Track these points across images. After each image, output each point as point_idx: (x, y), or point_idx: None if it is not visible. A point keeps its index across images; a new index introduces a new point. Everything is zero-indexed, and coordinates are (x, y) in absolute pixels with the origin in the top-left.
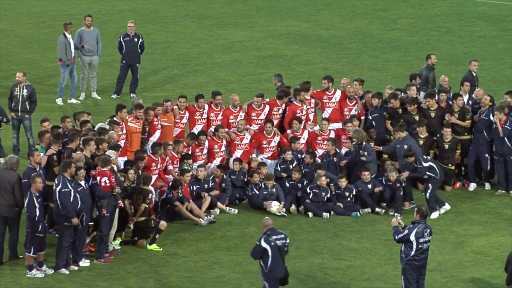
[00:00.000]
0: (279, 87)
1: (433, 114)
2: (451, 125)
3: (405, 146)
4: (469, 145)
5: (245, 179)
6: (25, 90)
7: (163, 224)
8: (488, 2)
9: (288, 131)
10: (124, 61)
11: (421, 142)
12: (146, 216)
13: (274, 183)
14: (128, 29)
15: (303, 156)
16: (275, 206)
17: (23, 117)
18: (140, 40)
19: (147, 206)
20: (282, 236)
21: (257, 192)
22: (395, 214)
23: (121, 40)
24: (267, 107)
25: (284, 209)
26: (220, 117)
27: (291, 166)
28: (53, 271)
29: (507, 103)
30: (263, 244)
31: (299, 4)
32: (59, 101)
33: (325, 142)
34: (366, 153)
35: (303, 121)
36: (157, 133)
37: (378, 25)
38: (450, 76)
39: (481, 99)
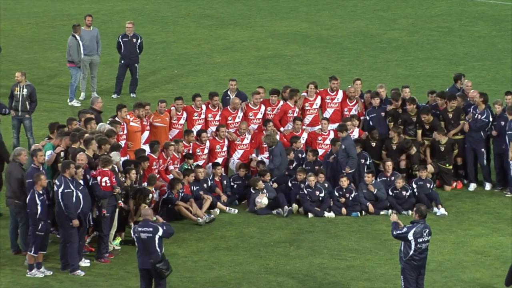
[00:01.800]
0: (237, 93)
1: (427, 127)
2: (444, 130)
3: (343, 146)
4: (462, 145)
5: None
6: (25, 90)
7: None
8: (488, 2)
9: (281, 129)
10: (122, 61)
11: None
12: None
13: (264, 185)
14: (126, 29)
15: (303, 156)
16: (262, 199)
17: (24, 117)
18: (139, 41)
19: (146, 206)
20: (150, 230)
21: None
22: (392, 212)
23: (120, 40)
24: (263, 106)
25: (265, 202)
26: (218, 117)
27: (291, 167)
28: (51, 272)
29: None
30: (131, 233)
31: (299, 4)
32: (75, 103)
33: (329, 143)
34: (271, 156)
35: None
36: (146, 134)
37: (378, 25)
38: (450, 76)
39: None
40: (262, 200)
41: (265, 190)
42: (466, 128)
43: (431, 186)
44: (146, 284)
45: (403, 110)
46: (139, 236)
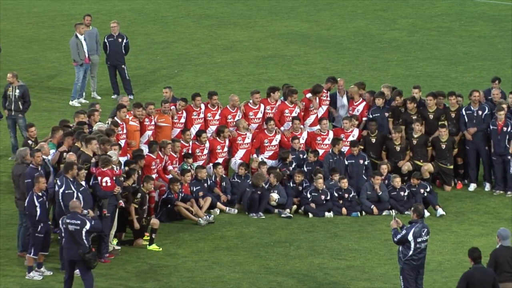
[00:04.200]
0: (172, 99)
1: (431, 116)
2: (446, 125)
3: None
4: (463, 145)
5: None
6: (17, 90)
7: (154, 222)
8: (488, 2)
9: (282, 128)
10: (108, 62)
11: (415, 142)
12: (144, 215)
13: (277, 184)
14: (111, 29)
15: (304, 156)
16: (275, 195)
17: (17, 117)
18: (125, 41)
19: (136, 206)
20: (78, 222)
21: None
22: (393, 212)
23: (106, 41)
24: (262, 105)
25: (275, 201)
26: (217, 117)
27: (291, 168)
28: (52, 272)
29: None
30: (60, 224)
31: (299, 4)
32: (75, 103)
33: (329, 143)
34: (275, 192)
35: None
36: (147, 133)
37: (378, 25)
38: (449, 76)
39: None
40: (273, 195)
41: (276, 191)
42: (470, 133)
43: (427, 190)
44: (70, 275)
45: (405, 109)
46: (66, 227)
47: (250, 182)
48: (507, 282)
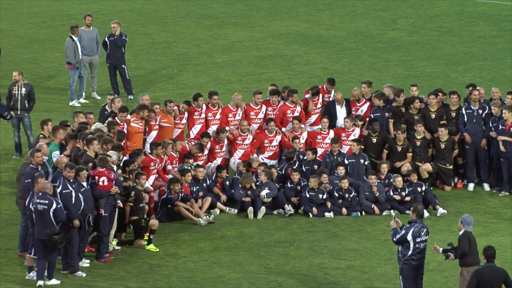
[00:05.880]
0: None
1: (433, 116)
2: (446, 125)
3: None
4: (462, 145)
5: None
6: (23, 89)
7: (153, 223)
8: (488, 2)
9: (283, 129)
10: (108, 61)
11: (418, 143)
12: (142, 215)
13: (268, 180)
14: (112, 29)
15: (304, 157)
16: (264, 192)
17: (23, 115)
18: (122, 37)
19: (131, 205)
20: (46, 202)
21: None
22: (393, 214)
23: (106, 40)
24: (264, 106)
25: (265, 197)
26: (218, 116)
27: (294, 167)
28: None
29: None
30: (30, 204)
31: (299, 4)
32: (76, 103)
33: (329, 142)
34: (266, 188)
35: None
36: (153, 133)
37: (378, 25)
38: (450, 76)
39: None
40: (261, 194)
41: (266, 188)
42: (468, 139)
43: (424, 189)
44: (41, 255)
45: (406, 109)
46: (36, 207)
47: (239, 185)
48: (475, 266)
